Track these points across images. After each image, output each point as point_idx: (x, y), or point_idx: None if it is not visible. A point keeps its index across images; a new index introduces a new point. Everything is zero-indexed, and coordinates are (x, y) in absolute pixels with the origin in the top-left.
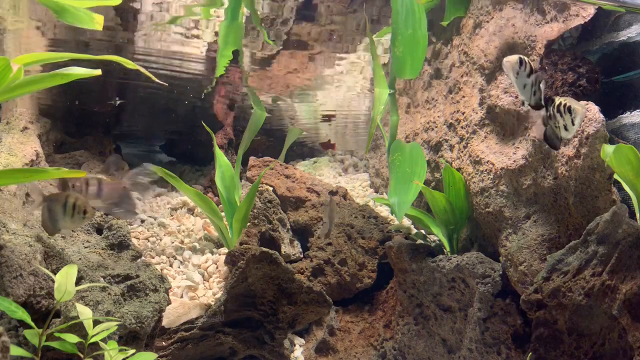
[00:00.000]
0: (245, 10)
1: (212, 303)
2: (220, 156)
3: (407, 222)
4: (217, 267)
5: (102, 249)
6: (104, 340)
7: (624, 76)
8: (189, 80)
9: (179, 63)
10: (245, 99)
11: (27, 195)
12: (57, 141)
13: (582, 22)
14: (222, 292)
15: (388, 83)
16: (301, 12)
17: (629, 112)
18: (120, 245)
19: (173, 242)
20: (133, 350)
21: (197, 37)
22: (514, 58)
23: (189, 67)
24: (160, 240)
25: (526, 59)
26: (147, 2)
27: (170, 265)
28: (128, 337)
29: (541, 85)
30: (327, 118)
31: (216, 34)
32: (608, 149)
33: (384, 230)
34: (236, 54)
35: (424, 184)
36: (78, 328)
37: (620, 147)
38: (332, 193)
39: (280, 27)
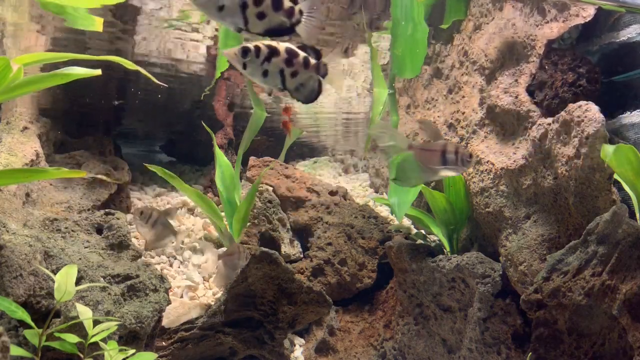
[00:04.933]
0: None
1: (212, 303)
2: (220, 156)
3: (407, 222)
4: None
5: (102, 249)
6: (104, 340)
7: (624, 76)
8: (189, 80)
9: (179, 62)
10: (245, 99)
11: (27, 195)
12: (57, 141)
13: (582, 22)
14: (222, 292)
15: (387, 83)
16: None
17: (629, 112)
18: (120, 245)
19: (173, 242)
20: (133, 350)
21: (197, 36)
22: (233, 49)
23: (189, 67)
24: None
25: (261, 44)
26: (148, 2)
27: (170, 265)
28: (128, 337)
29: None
30: (285, 109)
31: (216, 33)
32: (608, 149)
33: (384, 230)
34: None
35: (424, 184)
36: (78, 328)
37: (620, 147)
38: (332, 193)
39: None
